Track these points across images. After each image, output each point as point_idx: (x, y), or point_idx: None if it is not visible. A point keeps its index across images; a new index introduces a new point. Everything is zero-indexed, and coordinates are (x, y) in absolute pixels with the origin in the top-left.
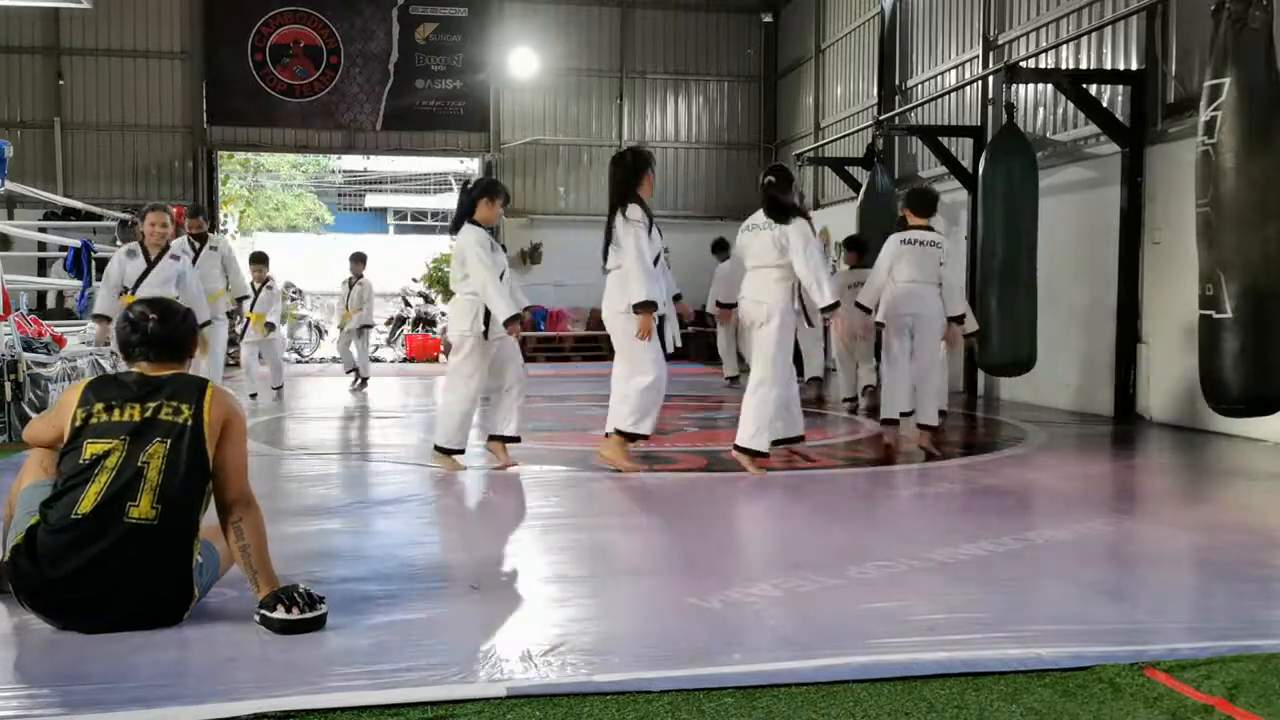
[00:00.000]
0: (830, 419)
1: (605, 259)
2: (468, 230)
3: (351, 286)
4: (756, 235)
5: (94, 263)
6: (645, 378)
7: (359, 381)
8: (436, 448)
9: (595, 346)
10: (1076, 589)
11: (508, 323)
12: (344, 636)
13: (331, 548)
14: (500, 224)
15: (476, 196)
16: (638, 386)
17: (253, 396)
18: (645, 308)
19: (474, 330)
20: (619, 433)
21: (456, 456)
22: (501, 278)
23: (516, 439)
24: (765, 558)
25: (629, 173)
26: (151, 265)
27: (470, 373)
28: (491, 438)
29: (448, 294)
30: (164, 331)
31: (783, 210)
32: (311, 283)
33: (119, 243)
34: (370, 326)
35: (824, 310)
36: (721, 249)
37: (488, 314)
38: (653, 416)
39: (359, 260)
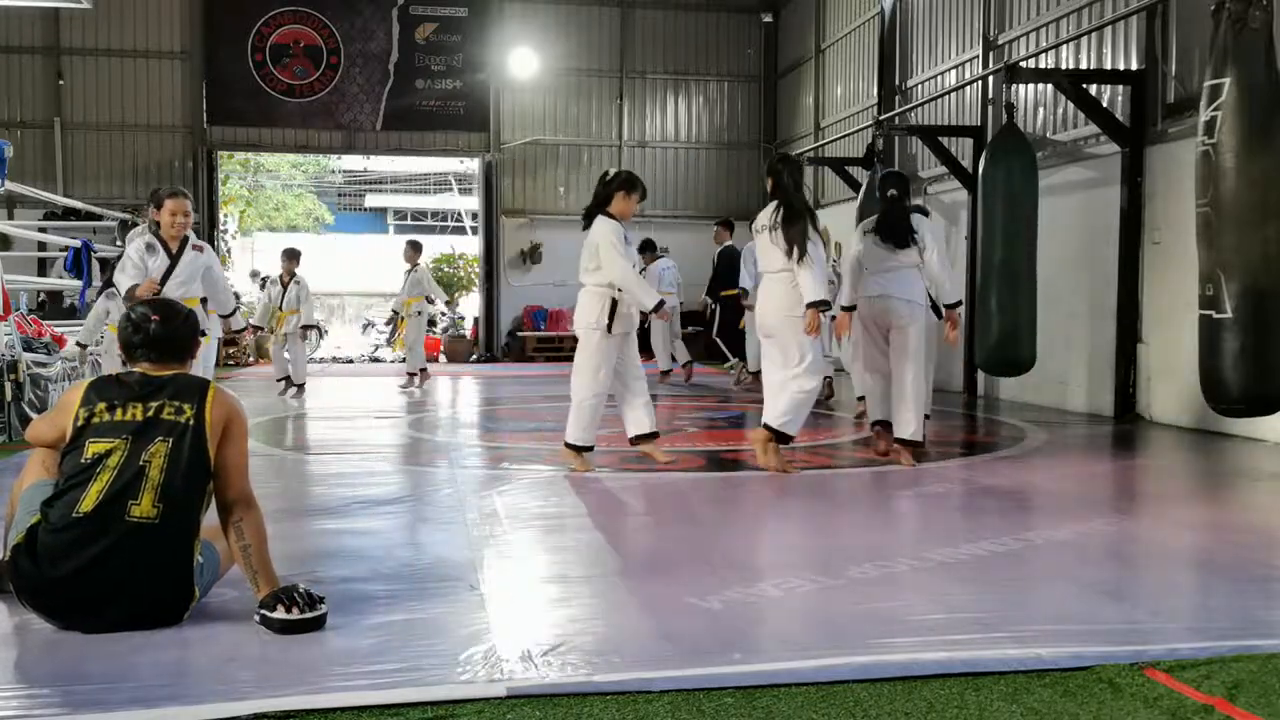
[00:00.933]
0: (831, 419)
1: (794, 259)
2: (602, 222)
3: (285, 286)
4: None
5: (94, 263)
6: (812, 381)
7: (295, 389)
8: (567, 444)
9: None
10: (1076, 589)
11: (655, 310)
12: (344, 636)
13: (331, 548)
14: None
15: (615, 189)
16: (801, 387)
17: None
18: (819, 306)
19: (599, 324)
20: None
21: (586, 455)
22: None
23: (657, 434)
24: (765, 558)
25: (800, 177)
26: (175, 260)
27: (598, 366)
28: (636, 439)
29: (448, 294)
30: (165, 332)
31: (908, 224)
32: (311, 283)
33: (119, 242)
34: (313, 327)
35: (951, 307)
36: (650, 249)
37: (613, 308)
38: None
39: (292, 257)
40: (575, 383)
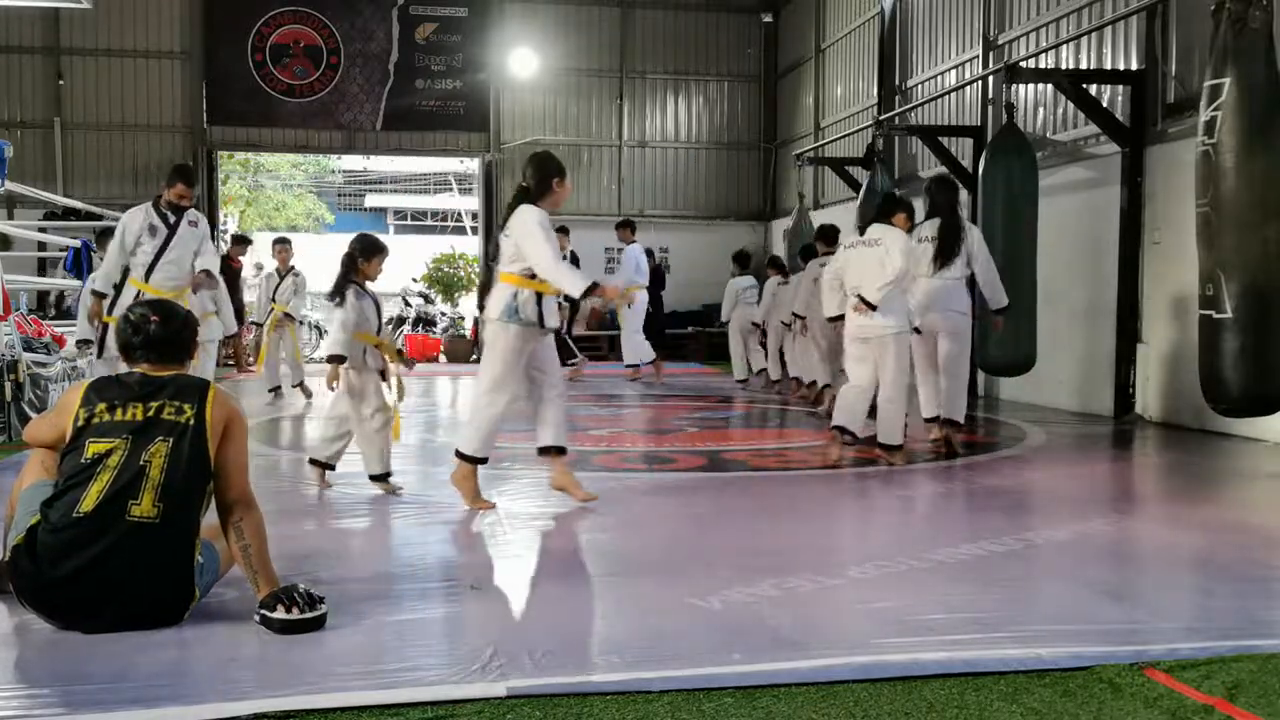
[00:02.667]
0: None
1: (944, 265)
2: (890, 231)
3: (282, 277)
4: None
5: (95, 262)
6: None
7: (300, 387)
8: (885, 445)
9: (595, 346)
10: (1076, 589)
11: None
12: (344, 636)
13: (331, 548)
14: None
15: (900, 210)
16: (963, 386)
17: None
18: (1004, 312)
19: (910, 324)
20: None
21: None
22: None
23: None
24: (766, 558)
25: (951, 196)
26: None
27: (909, 368)
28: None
29: (447, 294)
30: (165, 333)
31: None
32: (311, 283)
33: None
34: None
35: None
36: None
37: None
38: None
39: (285, 245)
40: (897, 390)
